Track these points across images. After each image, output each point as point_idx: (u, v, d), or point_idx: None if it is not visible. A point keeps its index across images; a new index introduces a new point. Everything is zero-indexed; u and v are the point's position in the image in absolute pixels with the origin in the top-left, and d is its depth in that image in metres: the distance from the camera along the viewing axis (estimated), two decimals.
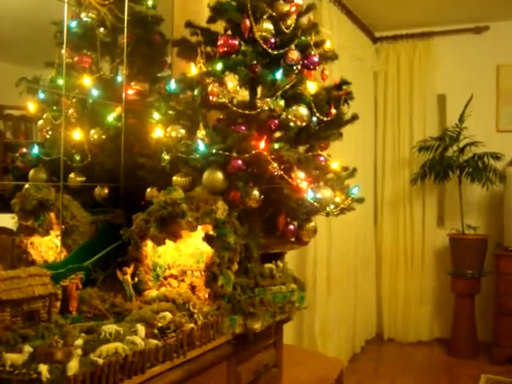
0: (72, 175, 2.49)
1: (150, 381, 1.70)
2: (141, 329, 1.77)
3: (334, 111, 2.50)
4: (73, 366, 1.44)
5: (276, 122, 2.41)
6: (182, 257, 2.34)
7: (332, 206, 2.56)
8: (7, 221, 2.29)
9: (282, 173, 2.27)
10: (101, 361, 1.51)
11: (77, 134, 2.51)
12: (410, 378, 4.89)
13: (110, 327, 1.72)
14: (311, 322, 4.61)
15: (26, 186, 2.32)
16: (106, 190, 2.61)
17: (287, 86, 2.37)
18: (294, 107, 2.37)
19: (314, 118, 2.46)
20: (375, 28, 6.14)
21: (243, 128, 2.37)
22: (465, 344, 5.54)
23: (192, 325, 1.92)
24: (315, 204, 2.37)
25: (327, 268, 4.77)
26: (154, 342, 1.74)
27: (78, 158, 2.51)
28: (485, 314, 5.72)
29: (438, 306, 6.12)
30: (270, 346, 2.49)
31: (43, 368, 1.40)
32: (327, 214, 2.63)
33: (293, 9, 2.52)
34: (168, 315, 1.90)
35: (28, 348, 1.51)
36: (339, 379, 3.20)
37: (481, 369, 5.12)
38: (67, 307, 1.98)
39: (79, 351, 1.51)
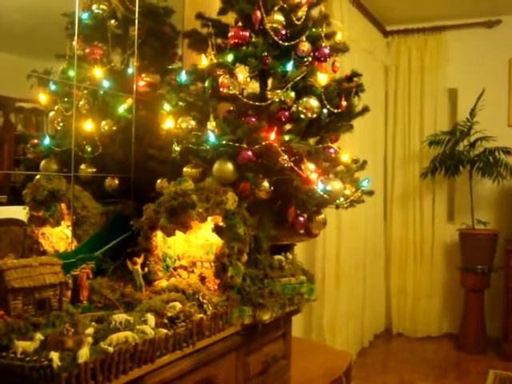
0: (83, 166, 2.51)
1: (159, 370, 1.72)
2: (151, 318, 1.77)
3: (344, 103, 2.49)
4: (83, 354, 1.45)
5: (286, 113, 2.41)
6: (191, 248, 2.35)
7: (342, 199, 2.56)
8: (19, 212, 2.30)
9: (292, 164, 2.27)
10: (111, 349, 1.52)
11: (88, 126, 2.52)
12: (419, 373, 4.88)
13: (120, 316, 1.73)
14: (320, 316, 4.61)
15: (38, 176, 2.34)
16: (117, 181, 2.62)
17: (298, 78, 2.37)
18: (305, 99, 2.37)
19: (325, 110, 2.46)
20: (386, 22, 6.10)
21: (253, 119, 2.37)
22: (474, 339, 5.52)
23: (201, 315, 1.93)
24: (325, 196, 2.36)
25: (336, 262, 4.77)
26: (164, 331, 1.75)
27: (88, 149, 2.52)
28: (494, 310, 5.69)
29: (447, 301, 6.10)
30: (278, 338, 2.49)
31: (54, 355, 1.41)
32: (337, 207, 2.63)
33: (304, 0, 2.51)
34: (178, 305, 1.91)
35: (39, 336, 1.53)
36: (348, 372, 3.20)
37: (490, 364, 5.11)
38: (78, 296, 1.99)
39: (90, 339, 1.52)
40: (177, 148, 2.39)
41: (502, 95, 5.91)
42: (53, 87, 2.42)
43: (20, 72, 2.25)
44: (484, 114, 5.57)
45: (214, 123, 2.32)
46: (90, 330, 1.61)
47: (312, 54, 2.49)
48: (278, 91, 2.38)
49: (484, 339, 5.55)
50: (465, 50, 6.06)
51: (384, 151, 6.21)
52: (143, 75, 2.79)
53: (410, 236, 6.16)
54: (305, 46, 2.44)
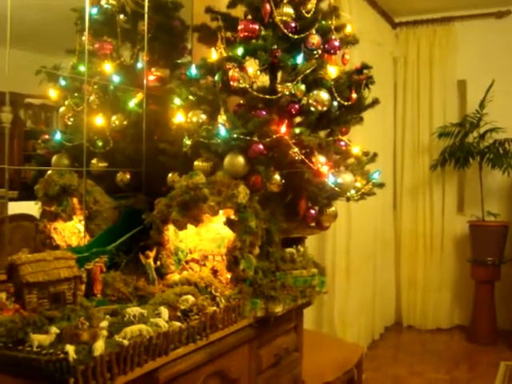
0: (94, 161, 2.52)
1: (173, 362, 1.73)
2: (164, 311, 1.79)
3: (354, 96, 2.49)
4: (99, 347, 1.46)
5: (297, 106, 2.41)
6: (203, 241, 2.35)
7: (353, 191, 2.56)
8: (30, 208, 2.32)
9: (303, 157, 2.27)
10: (126, 342, 1.53)
11: (98, 120, 2.53)
12: (429, 365, 4.88)
13: (134, 310, 1.74)
14: (330, 309, 4.61)
15: (49, 171, 2.35)
16: (128, 176, 2.63)
17: (308, 71, 2.37)
18: (315, 92, 2.38)
19: (335, 103, 2.46)
20: (395, 13, 6.06)
21: (264, 113, 2.38)
22: (484, 331, 5.51)
23: (214, 308, 1.94)
24: (336, 188, 2.37)
25: (346, 255, 4.77)
26: (178, 324, 1.76)
27: (99, 143, 2.53)
28: (505, 302, 5.68)
29: (457, 293, 6.08)
30: (290, 330, 2.50)
31: (70, 348, 1.42)
32: (348, 199, 2.63)
33: None
34: (191, 298, 1.92)
35: (55, 329, 1.54)
36: (359, 364, 3.20)
37: (500, 356, 5.09)
38: (92, 290, 2.01)
39: (105, 332, 1.53)
40: (188, 142, 2.40)
41: (511, 86, 5.86)
42: (63, 82, 2.43)
43: (28, 68, 2.26)
44: (493, 106, 5.53)
45: (224, 117, 2.32)
46: (104, 324, 1.62)
47: (322, 46, 2.49)
48: (288, 84, 2.38)
49: (495, 331, 5.54)
50: (474, 40, 6.01)
51: (393, 143, 6.19)
52: (153, 69, 2.80)
53: (419, 228, 6.14)
54: (314, 39, 2.44)
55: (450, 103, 6.04)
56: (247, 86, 2.35)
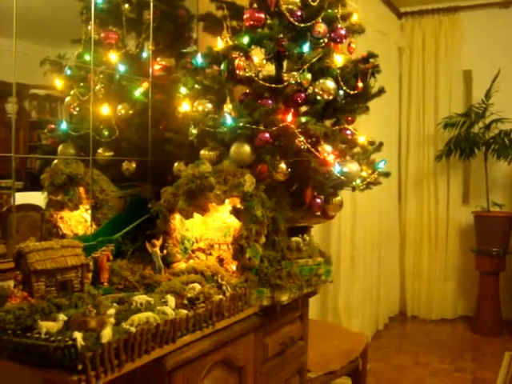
0: (100, 150, 2.52)
1: (180, 350, 1.74)
2: (171, 299, 1.79)
3: (360, 85, 2.48)
4: (106, 334, 1.47)
5: (303, 95, 2.40)
6: (209, 231, 2.36)
7: (358, 180, 2.55)
8: (36, 198, 2.32)
9: (309, 146, 2.27)
10: (133, 329, 1.54)
11: (104, 110, 2.53)
12: (434, 355, 4.88)
13: (140, 298, 1.75)
14: (335, 298, 4.63)
15: (55, 161, 2.36)
16: (134, 165, 2.64)
17: (314, 60, 2.36)
18: (321, 80, 2.37)
19: (341, 92, 2.45)
20: (400, 3, 6.03)
21: (270, 102, 2.37)
22: (489, 322, 5.51)
23: (221, 296, 1.94)
24: (342, 178, 2.36)
25: (351, 245, 4.77)
26: (184, 311, 1.77)
27: (105, 133, 2.53)
28: (509, 292, 5.67)
29: (462, 283, 6.08)
30: (296, 319, 2.51)
31: (78, 335, 1.42)
32: (353, 189, 2.63)
33: None
34: (197, 286, 1.93)
35: (62, 316, 1.55)
36: (364, 353, 3.21)
37: (505, 346, 5.09)
38: (98, 278, 2.02)
39: (112, 320, 1.54)
40: (194, 131, 2.40)
41: None
42: (68, 72, 2.43)
43: (33, 58, 2.26)
44: (499, 96, 5.49)
45: (230, 106, 2.32)
46: (111, 311, 1.63)
47: (328, 35, 2.48)
48: (294, 73, 2.37)
49: (499, 321, 5.54)
50: (480, 30, 5.97)
51: (398, 134, 6.17)
52: (158, 59, 2.80)
53: (424, 219, 6.13)
54: (321, 28, 2.43)
55: (455, 93, 6.01)
56: (253, 74, 2.35)
